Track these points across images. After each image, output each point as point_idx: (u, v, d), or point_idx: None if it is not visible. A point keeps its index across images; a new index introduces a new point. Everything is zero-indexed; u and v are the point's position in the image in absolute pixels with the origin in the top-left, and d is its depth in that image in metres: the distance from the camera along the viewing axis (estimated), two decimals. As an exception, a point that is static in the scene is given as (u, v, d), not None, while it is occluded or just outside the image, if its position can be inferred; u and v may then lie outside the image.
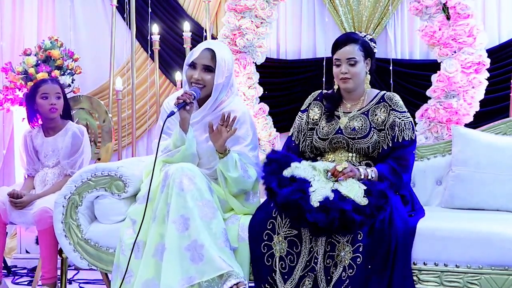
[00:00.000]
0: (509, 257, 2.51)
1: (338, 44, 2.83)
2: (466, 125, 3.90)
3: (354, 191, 2.54)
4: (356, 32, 3.27)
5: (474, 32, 3.95)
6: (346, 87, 2.82)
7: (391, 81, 4.20)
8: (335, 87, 2.91)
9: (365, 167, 2.71)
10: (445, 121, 4.00)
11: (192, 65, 2.81)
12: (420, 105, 4.14)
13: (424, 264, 2.59)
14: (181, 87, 4.33)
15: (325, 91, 2.98)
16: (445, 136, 3.95)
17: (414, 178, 3.24)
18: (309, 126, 2.92)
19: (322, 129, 2.86)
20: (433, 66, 4.13)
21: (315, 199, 2.48)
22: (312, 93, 3.00)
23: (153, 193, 2.68)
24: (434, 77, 4.06)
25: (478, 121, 3.97)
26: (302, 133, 2.94)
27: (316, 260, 2.51)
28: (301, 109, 3.00)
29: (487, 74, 4.00)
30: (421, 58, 4.34)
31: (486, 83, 4.00)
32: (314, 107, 2.95)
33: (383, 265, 2.49)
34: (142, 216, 2.64)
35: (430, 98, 4.09)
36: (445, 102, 4.01)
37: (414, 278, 2.57)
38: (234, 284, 2.45)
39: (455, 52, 3.99)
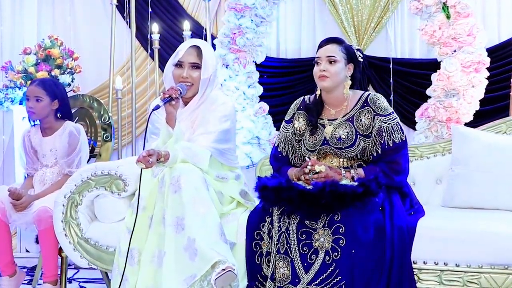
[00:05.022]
0: (509, 256, 2.52)
1: (320, 44, 2.85)
2: (466, 124, 3.90)
3: (345, 181, 2.62)
4: (352, 37, 3.28)
5: (474, 31, 3.95)
6: (323, 85, 2.79)
7: (391, 80, 4.21)
8: (317, 92, 2.88)
9: (345, 171, 2.73)
10: (445, 120, 4.00)
11: (179, 65, 2.86)
12: (420, 104, 4.14)
13: (424, 263, 2.59)
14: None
15: (308, 96, 2.96)
16: (445, 135, 3.95)
17: (414, 178, 3.24)
18: (296, 138, 2.91)
19: (308, 140, 2.85)
20: (433, 65, 4.13)
21: (307, 186, 2.56)
22: (295, 102, 2.98)
23: (147, 201, 2.69)
24: (434, 76, 4.06)
25: (478, 120, 3.96)
26: (291, 146, 2.93)
27: (289, 245, 2.51)
28: (285, 119, 2.97)
29: (487, 73, 4.00)
30: (421, 57, 4.33)
31: (486, 82, 4.00)
32: (298, 117, 2.92)
33: (380, 263, 2.49)
34: (136, 224, 2.65)
35: (430, 97, 4.09)
36: (445, 101, 4.01)
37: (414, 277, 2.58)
38: (222, 269, 2.43)
39: (455, 51, 3.99)
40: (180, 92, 2.75)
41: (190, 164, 2.66)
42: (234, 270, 2.45)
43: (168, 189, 2.59)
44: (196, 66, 2.84)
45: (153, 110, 2.67)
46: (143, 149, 2.66)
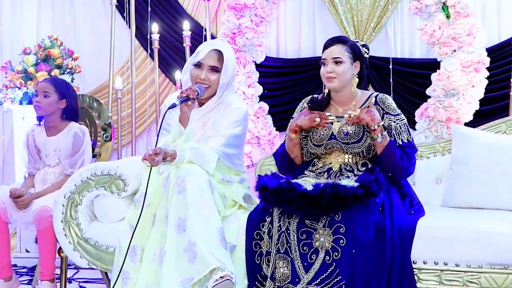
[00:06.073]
0: (509, 256, 2.51)
1: (326, 45, 2.85)
2: (466, 124, 3.91)
3: (345, 181, 2.59)
4: (352, 37, 3.26)
5: (473, 31, 3.96)
6: (331, 86, 2.81)
7: (391, 80, 4.21)
8: (325, 91, 2.89)
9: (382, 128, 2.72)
10: (445, 120, 4.00)
11: (198, 65, 2.84)
12: (420, 104, 4.14)
13: (424, 263, 2.59)
14: (181, 86, 4.34)
15: (316, 95, 2.97)
16: (445, 135, 3.96)
17: (414, 177, 3.23)
18: (303, 134, 2.91)
19: (315, 135, 2.85)
20: (433, 65, 4.13)
21: (307, 187, 2.54)
22: (303, 100, 2.99)
23: (151, 198, 2.68)
24: (434, 76, 4.06)
25: (477, 120, 3.97)
26: None
27: (289, 245, 2.51)
28: (293, 116, 2.97)
29: (487, 73, 4.00)
30: (421, 57, 4.34)
31: (486, 82, 4.00)
32: None
33: (380, 263, 2.49)
34: (140, 222, 2.65)
35: (430, 97, 4.09)
36: (445, 101, 4.01)
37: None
38: (220, 277, 2.44)
39: (454, 51, 4.00)
40: (198, 93, 2.76)
41: (197, 165, 2.66)
42: (232, 278, 2.45)
43: (173, 189, 2.59)
44: (215, 70, 2.83)
45: (169, 108, 2.68)
46: (156, 145, 2.67)
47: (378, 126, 2.68)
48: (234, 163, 2.86)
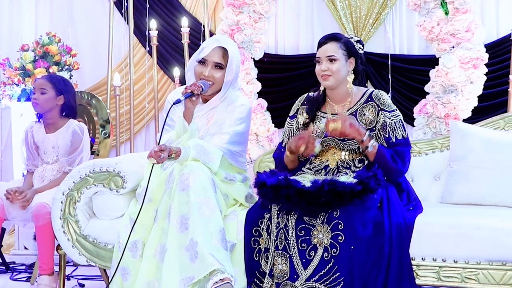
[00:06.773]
0: (507, 252, 2.52)
1: (320, 43, 2.84)
2: (464, 120, 3.91)
3: (343, 178, 2.59)
4: (350, 33, 3.25)
5: (472, 27, 3.96)
6: (326, 84, 2.80)
7: (390, 77, 4.20)
8: (321, 88, 2.89)
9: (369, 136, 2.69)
10: (443, 116, 4.00)
11: (202, 62, 2.83)
12: (419, 100, 4.14)
13: (422, 259, 2.59)
14: (179, 82, 4.34)
15: (312, 93, 2.96)
16: (444, 132, 3.96)
17: (412, 174, 3.24)
18: (300, 132, 2.91)
19: (312, 133, 2.84)
20: (432, 61, 4.13)
21: (306, 183, 2.54)
22: (299, 98, 2.98)
23: (154, 194, 2.68)
24: (432, 72, 4.06)
25: (476, 116, 3.97)
26: None
27: (288, 241, 2.51)
28: (290, 115, 2.97)
29: (485, 69, 4.00)
30: (419, 53, 4.33)
31: (484, 78, 4.00)
32: (302, 111, 2.92)
33: (379, 259, 2.49)
34: (140, 216, 2.65)
35: (428, 93, 4.09)
36: (443, 97, 4.01)
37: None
38: (220, 279, 2.44)
39: (453, 47, 3.99)
40: (202, 89, 2.75)
41: (201, 163, 2.65)
42: (231, 281, 2.46)
43: (176, 186, 2.59)
44: (220, 67, 2.82)
45: (174, 103, 2.67)
46: (159, 141, 2.67)
47: (365, 136, 2.67)
48: (238, 161, 2.86)
